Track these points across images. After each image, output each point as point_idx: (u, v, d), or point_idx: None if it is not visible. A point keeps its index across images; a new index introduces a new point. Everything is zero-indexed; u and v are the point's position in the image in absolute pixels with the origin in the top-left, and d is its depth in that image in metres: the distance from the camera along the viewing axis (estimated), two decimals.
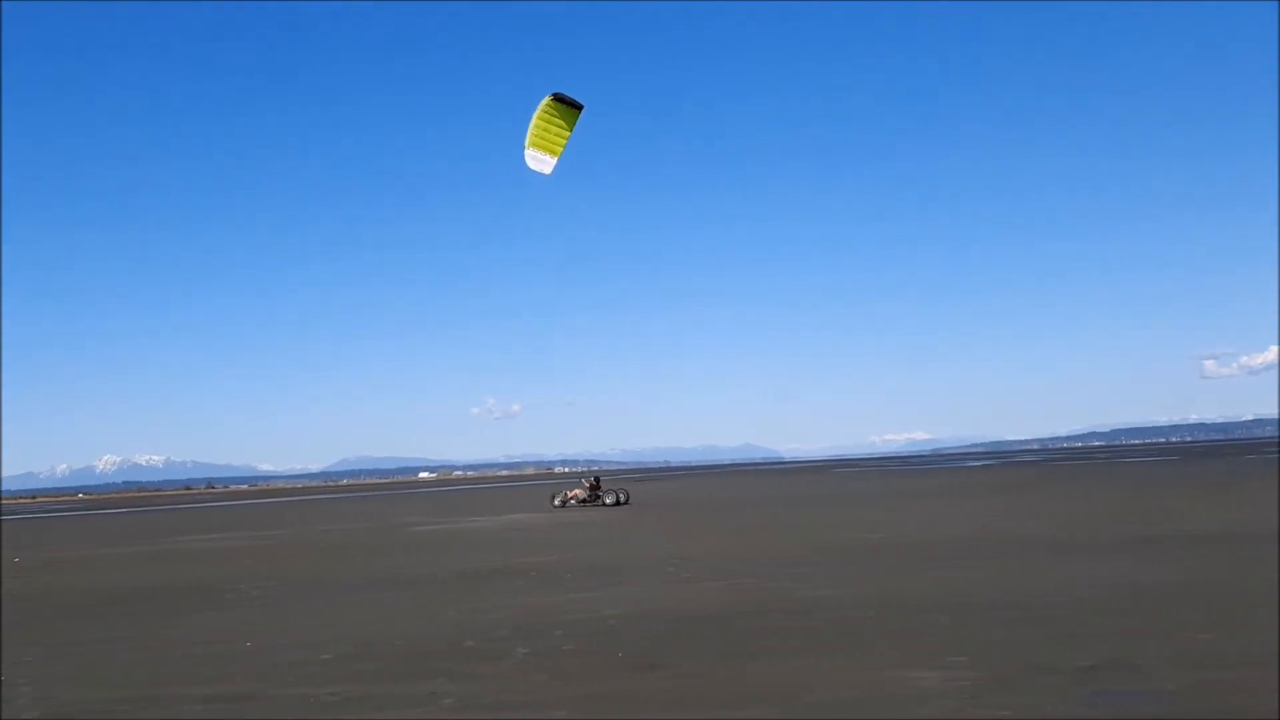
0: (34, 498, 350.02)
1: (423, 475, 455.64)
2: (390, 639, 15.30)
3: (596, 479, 63.02)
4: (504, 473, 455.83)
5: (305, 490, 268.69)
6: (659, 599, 18.19)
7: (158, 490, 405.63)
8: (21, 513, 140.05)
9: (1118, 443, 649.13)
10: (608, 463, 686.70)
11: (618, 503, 56.92)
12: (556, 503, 58.30)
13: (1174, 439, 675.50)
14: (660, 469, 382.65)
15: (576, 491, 58.78)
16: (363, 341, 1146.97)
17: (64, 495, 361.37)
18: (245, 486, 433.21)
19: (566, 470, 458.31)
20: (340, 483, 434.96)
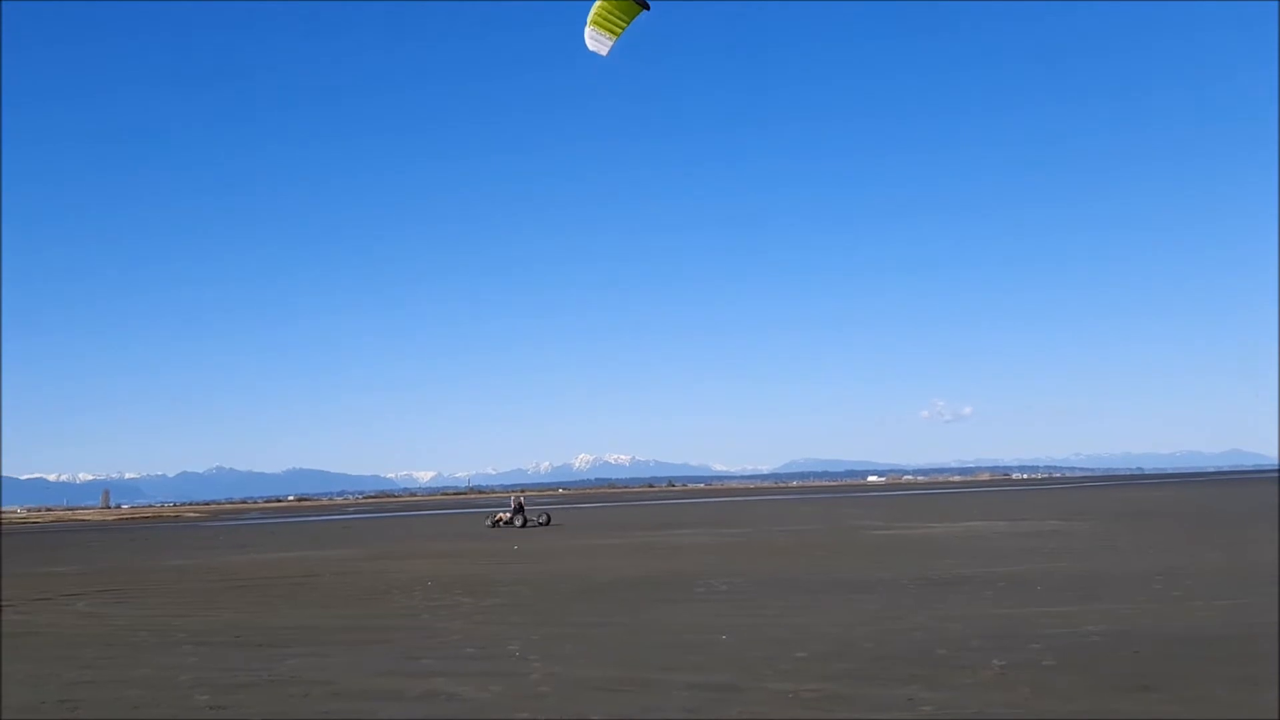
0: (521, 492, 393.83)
1: (871, 479, 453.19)
2: (860, 640, 15.45)
3: (520, 503, 64.95)
4: (955, 478, 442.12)
5: (757, 490, 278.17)
6: (1145, 616, 16.87)
7: (624, 487, 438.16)
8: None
9: None
10: (1070, 469, 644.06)
11: (526, 524, 59.81)
12: (489, 524, 61.19)
13: None
14: (1132, 476, 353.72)
15: (501, 515, 61.97)
16: (809, 343, 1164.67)
17: (546, 490, 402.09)
18: (701, 485, 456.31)
19: (1025, 477, 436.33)
20: (790, 484, 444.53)
